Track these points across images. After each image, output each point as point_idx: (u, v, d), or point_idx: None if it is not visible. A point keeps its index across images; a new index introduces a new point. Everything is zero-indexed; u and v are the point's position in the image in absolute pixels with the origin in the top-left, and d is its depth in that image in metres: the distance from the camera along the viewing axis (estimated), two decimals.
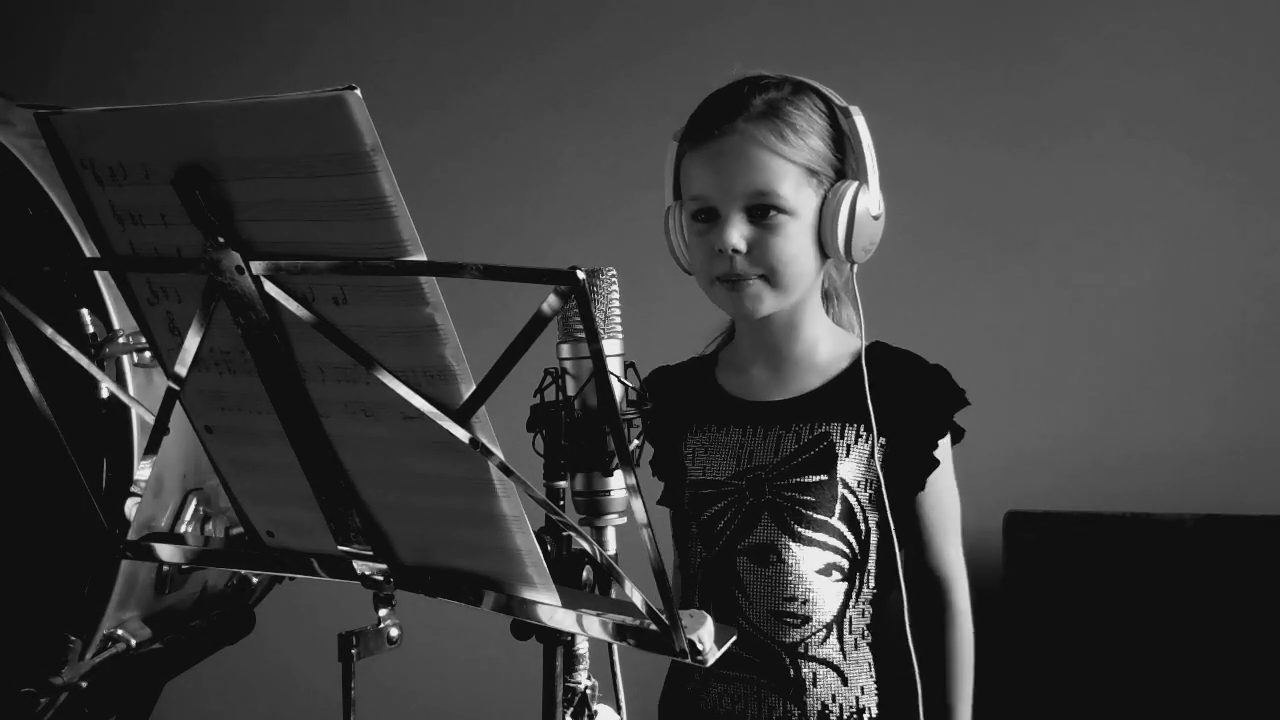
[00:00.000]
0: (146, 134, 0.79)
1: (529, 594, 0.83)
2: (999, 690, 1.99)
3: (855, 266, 1.31)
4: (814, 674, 1.31)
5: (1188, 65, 2.19)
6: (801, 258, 1.27)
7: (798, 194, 1.26)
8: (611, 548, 0.93)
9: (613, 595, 0.89)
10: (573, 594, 0.85)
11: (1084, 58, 2.24)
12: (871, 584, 1.32)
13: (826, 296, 1.38)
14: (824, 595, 1.30)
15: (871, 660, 1.33)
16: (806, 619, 1.30)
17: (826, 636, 1.31)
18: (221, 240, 0.78)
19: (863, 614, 1.32)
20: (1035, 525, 2.14)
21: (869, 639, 1.33)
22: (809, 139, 1.26)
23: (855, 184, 1.27)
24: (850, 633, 1.32)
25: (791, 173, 1.25)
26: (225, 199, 0.77)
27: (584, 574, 0.90)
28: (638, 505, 0.76)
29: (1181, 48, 2.20)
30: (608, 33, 2.49)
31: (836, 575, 1.31)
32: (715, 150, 1.26)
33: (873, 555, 1.32)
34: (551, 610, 0.83)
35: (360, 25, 2.63)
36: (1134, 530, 2.09)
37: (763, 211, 1.26)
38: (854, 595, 1.32)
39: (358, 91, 0.69)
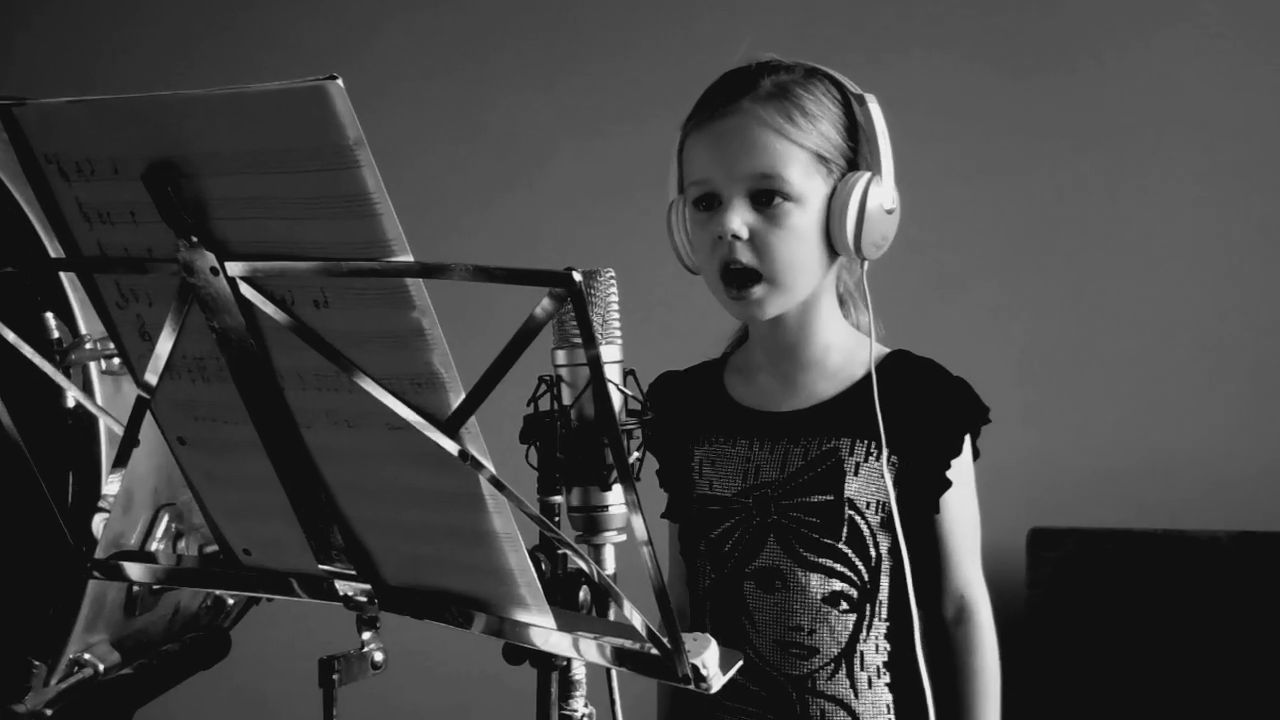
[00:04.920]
0: (115, 126, 0.78)
1: (522, 616, 0.82)
2: (1024, 717, 1.95)
3: (866, 264, 1.26)
4: (822, 711, 1.25)
5: (1212, 69, 2.18)
6: (806, 251, 1.23)
7: (805, 180, 1.21)
8: (610, 567, 0.92)
9: (611, 617, 0.88)
10: (569, 616, 0.84)
11: (1109, 58, 2.22)
12: (884, 615, 1.27)
13: (843, 302, 1.34)
14: (831, 626, 1.26)
15: (891, 702, 1.26)
16: (814, 650, 1.25)
17: (835, 671, 1.26)
18: (195, 240, 0.77)
19: (877, 649, 1.27)
20: (1060, 543, 2.11)
21: (886, 678, 1.27)
22: (819, 124, 1.22)
23: (868, 175, 1.22)
24: (863, 669, 1.26)
25: (799, 157, 1.21)
26: (199, 196, 0.76)
27: (580, 595, 0.88)
28: (637, 522, 0.75)
29: (1205, 49, 2.18)
30: (607, 25, 2.48)
31: (844, 605, 1.26)
32: (719, 130, 1.23)
33: (884, 584, 1.26)
34: (546, 633, 0.82)
35: (345, 15, 2.62)
36: (1166, 548, 2.06)
37: (767, 197, 1.21)
38: (865, 628, 1.26)
39: (339, 81, 0.68)
